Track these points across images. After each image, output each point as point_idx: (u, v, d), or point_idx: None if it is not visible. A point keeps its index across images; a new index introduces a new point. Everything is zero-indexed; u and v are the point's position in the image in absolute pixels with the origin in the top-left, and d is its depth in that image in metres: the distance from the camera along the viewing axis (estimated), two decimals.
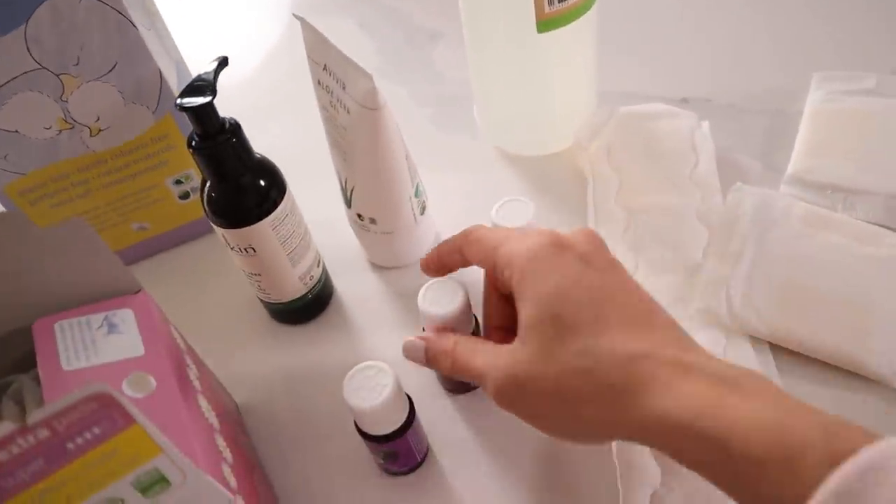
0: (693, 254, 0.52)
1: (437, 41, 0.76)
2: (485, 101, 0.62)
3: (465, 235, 0.42)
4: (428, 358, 0.41)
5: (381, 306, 0.55)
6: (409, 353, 0.42)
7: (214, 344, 0.51)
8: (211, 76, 0.43)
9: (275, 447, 0.49)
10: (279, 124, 0.69)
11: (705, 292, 0.49)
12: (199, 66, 0.45)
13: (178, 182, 0.58)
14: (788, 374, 0.47)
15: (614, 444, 0.44)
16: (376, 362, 0.41)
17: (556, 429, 0.36)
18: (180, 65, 0.57)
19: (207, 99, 0.42)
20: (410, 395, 0.44)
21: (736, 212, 0.53)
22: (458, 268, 0.43)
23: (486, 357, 0.37)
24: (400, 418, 0.42)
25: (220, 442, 0.39)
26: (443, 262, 0.43)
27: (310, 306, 0.54)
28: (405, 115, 0.68)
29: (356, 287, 0.56)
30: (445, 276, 0.43)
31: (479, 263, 0.41)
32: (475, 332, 0.45)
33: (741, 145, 0.61)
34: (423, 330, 0.44)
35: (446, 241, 0.43)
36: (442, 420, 0.48)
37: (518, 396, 0.35)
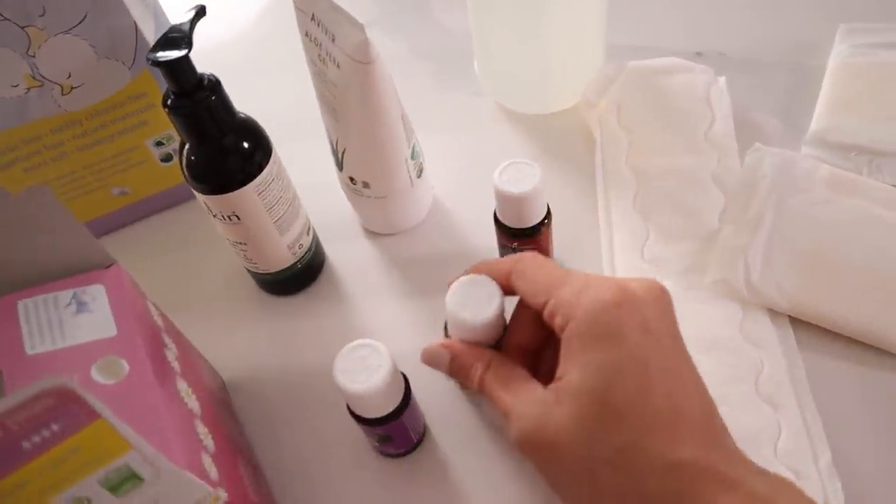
0: (708, 220, 0.49)
1: None
2: (486, 56, 0.57)
3: (516, 262, 0.38)
4: (452, 370, 0.39)
5: (375, 275, 0.52)
6: (430, 361, 0.40)
7: (199, 318, 0.48)
8: (186, 27, 0.39)
9: (264, 426, 0.46)
10: (266, 80, 0.65)
11: (721, 262, 0.46)
12: (179, 16, 0.41)
13: (160, 143, 0.54)
14: (810, 349, 0.44)
15: None
16: (369, 341, 0.38)
17: (569, 499, 0.34)
18: (159, 15, 0.53)
19: (182, 52, 0.38)
20: (406, 373, 0.41)
21: (755, 175, 0.49)
22: None
23: (519, 397, 0.35)
24: (394, 401, 0.39)
25: (201, 429, 0.36)
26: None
27: (300, 276, 0.51)
28: (403, 71, 0.64)
29: (349, 255, 0.53)
30: (481, 274, 0.39)
31: (526, 298, 0.37)
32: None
33: (759, 103, 0.57)
34: (445, 329, 0.41)
35: (490, 263, 0.39)
36: (441, 398, 0.45)
37: (542, 453, 0.33)
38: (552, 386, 0.34)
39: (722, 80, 0.56)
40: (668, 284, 0.45)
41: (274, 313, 0.51)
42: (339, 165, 0.49)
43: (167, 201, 0.58)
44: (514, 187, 0.42)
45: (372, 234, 0.54)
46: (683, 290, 0.46)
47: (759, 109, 0.57)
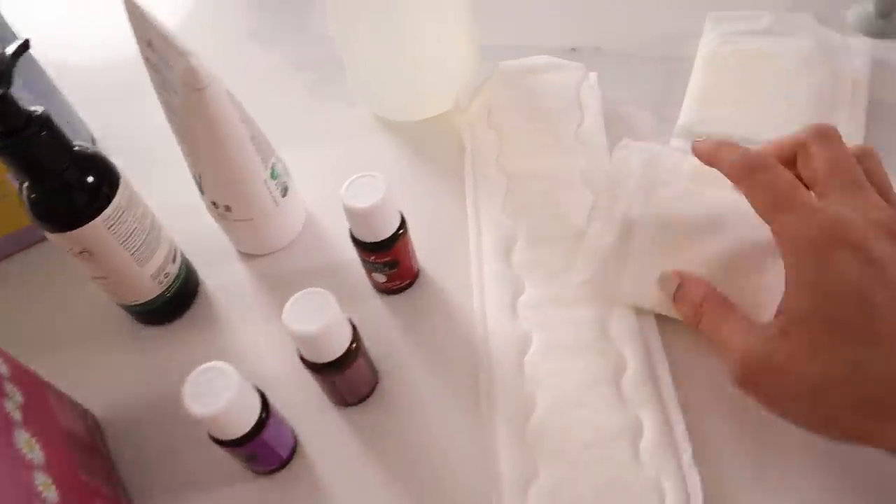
0: (577, 220, 0.49)
1: None
2: (354, 67, 0.57)
3: (752, 172, 0.38)
4: (676, 297, 0.42)
5: (251, 297, 0.51)
6: (661, 283, 0.43)
7: (70, 356, 0.47)
8: (5, 62, 0.38)
9: (138, 462, 0.45)
10: (128, 101, 0.63)
11: (588, 262, 0.46)
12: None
13: None
14: (675, 345, 0.44)
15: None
16: (217, 363, 0.37)
17: (803, 422, 0.35)
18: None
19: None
20: (275, 391, 0.40)
21: (621, 171, 0.49)
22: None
23: (738, 330, 0.37)
24: (249, 419, 0.38)
25: (41, 479, 0.35)
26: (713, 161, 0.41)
27: (171, 305, 0.50)
28: (279, 83, 0.64)
29: (224, 278, 0.52)
30: (316, 289, 0.39)
31: (757, 210, 0.38)
32: (353, 354, 0.41)
33: (635, 96, 0.58)
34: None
35: (732, 149, 0.39)
36: (312, 412, 0.45)
37: (768, 384, 0.35)
38: (776, 320, 0.35)
39: (593, 76, 0.56)
40: (536, 288, 0.46)
41: (147, 344, 0.50)
42: (200, 190, 0.48)
43: (25, 240, 0.56)
44: (361, 202, 0.42)
45: (246, 254, 0.53)
46: (552, 293, 0.46)
47: (633, 103, 0.57)
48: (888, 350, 0.33)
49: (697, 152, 0.42)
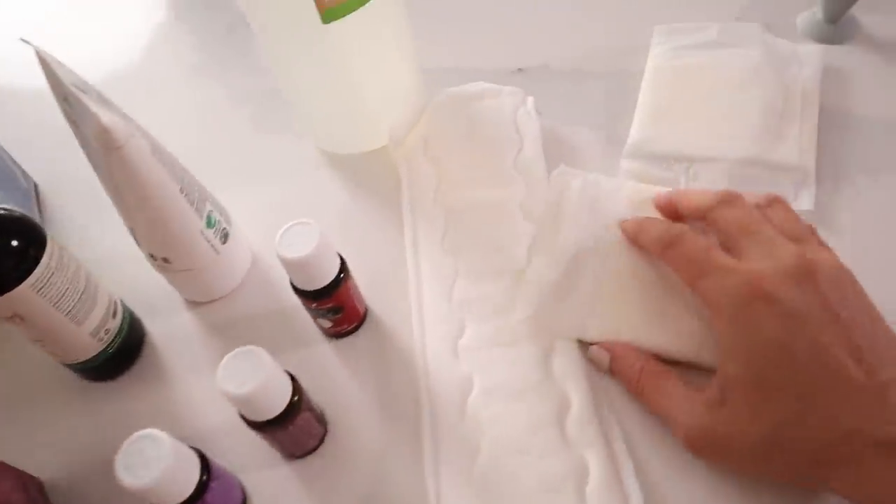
0: (517, 253, 0.47)
1: None
2: (294, 100, 0.55)
3: (669, 246, 0.40)
4: (612, 371, 0.43)
5: (198, 346, 0.50)
6: (594, 360, 0.43)
7: (12, 418, 0.46)
8: None
9: None
10: (72, 148, 0.62)
11: (529, 297, 0.45)
12: None
13: None
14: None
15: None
16: (149, 431, 0.36)
17: (762, 475, 0.37)
18: None
19: None
20: (204, 452, 0.39)
21: (559, 200, 0.48)
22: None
23: (678, 403, 0.38)
24: (188, 484, 0.37)
25: None
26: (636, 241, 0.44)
27: (114, 361, 0.48)
28: (224, 118, 0.62)
29: (171, 327, 0.51)
30: (249, 348, 0.38)
31: (682, 279, 0.40)
32: (295, 408, 0.40)
33: (584, 114, 0.56)
34: None
35: (652, 224, 0.43)
36: (261, 466, 0.44)
37: (717, 451, 0.37)
38: (714, 385, 0.36)
39: (530, 100, 0.54)
40: (477, 327, 0.45)
41: (94, 401, 0.49)
42: (137, 242, 0.47)
43: None
44: (295, 251, 0.40)
45: (192, 302, 0.52)
46: (493, 331, 0.45)
47: (583, 122, 0.56)
48: (819, 398, 0.33)
49: (624, 231, 0.45)
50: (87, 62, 0.69)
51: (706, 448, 0.37)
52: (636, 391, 0.41)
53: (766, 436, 0.34)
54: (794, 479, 0.35)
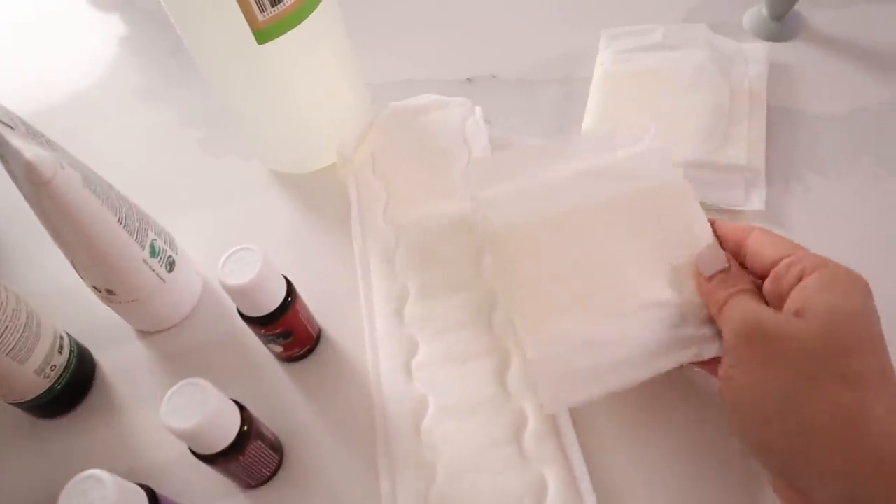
0: (467, 270, 0.47)
1: None
2: (239, 121, 0.54)
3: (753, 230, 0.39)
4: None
5: (149, 376, 0.49)
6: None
7: None
8: None
9: None
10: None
11: (479, 312, 0.44)
12: None
13: None
14: None
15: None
16: (92, 471, 0.35)
17: (773, 400, 0.34)
18: None
19: None
20: (153, 489, 0.38)
21: (477, 189, 0.46)
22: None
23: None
24: None
25: None
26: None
27: (63, 397, 0.47)
28: (170, 142, 0.61)
29: (121, 358, 0.50)
30: (192, 380, 0.37)
31: (763, 250, 0.38)
32: (245, 438, 0.39)
33: (534, 122, 0.56)
34: None
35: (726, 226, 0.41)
36: (222, 493, 0.43)
37: (770, 345, 0.34)
38: (794, 296, 0.35)
39: (479, 110, 0.54)
40: (430, 347, 0.44)
41: (43, 439, 0.48)
42: (79, 274, 0.46)
43: None
44: (237, 278, 0.40)
45: (142, 332, 0.51)
46: (445, 349, 0.44)
47: (532, 131, 0.55)
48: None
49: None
50: (28, 87, 0.68)
51: (758, 337, 0.34)
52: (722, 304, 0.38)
53: (830, 360, 0.32)
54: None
